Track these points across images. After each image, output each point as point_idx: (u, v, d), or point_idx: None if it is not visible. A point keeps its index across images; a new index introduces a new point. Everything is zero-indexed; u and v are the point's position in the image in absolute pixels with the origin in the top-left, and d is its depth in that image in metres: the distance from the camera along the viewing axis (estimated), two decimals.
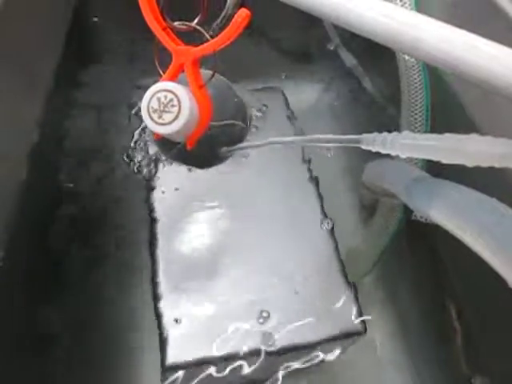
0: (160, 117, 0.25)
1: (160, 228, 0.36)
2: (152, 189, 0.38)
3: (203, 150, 0.30)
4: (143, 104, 0.26)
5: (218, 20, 0.25)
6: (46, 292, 0.34)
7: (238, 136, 0.32)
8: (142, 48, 0.47)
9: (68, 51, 0.47)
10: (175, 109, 0.25)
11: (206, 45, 0.25)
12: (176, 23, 0.26)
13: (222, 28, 0.25)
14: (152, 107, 0.25)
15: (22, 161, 0.38)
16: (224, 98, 0.31)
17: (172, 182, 0.38)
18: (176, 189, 0.38)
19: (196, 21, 0.26)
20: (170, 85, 0.25)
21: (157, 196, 0.37)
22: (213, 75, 0.27)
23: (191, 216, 0.36)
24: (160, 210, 0.36)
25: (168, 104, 0.25)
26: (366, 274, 0.36)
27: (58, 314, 0.33)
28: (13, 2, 0.37)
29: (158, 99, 0.25)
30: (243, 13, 0.23)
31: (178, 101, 0.25)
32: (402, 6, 0.32)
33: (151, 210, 0.36)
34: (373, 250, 0.37)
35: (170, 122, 0.25)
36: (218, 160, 0.33)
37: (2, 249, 0.33)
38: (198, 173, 0.38)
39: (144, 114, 0.26)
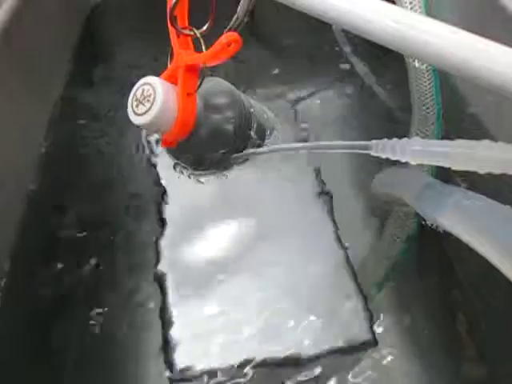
0: (137, 106, 0.26)
1: (168, 239, 0.35)
2: (162, 199, 0.38)
3: (209, 154, 0.30)
4: (132, 91, 0.27)
5: (228, 28, 0.25)
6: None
7: (244, 145, 0.32)
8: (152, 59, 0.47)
9: (79, 61, 0.48)
10: (148, 104, 0.26)
11: (196, 55, 0.26)
12: (186, 30, 0.26)
13: None
14: (136, 96, 0.27)
15: (30, 171, 0.38)
16: (230, 107, 0.32)
17: (181, 193, 0.38)
18: (185, 200, 0.38)
19: (204, 28, 0.26)
20: (155, 80, 0.26)
21: (167, 207, 0.37)
22: (199, 86, 0.27)
23: (200, 227, 0.36)
24: (170, 221, 0.36)
25: (146, 97, 0.26)
26: (381, 286, 0.35)
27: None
28: (24, 17, 0.38)
29: (142, 90, 0.26)
30: (232, 36, 0.24)
31: (154, 97, 0.26)
32: (412, 9, 0.32)
33: (162, 222, 0.36)
34: (385, 261, 0.37)
35: (141, 114, 0.26)
36: (225, 166, 0.33)
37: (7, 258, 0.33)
38: (206, 184, 0.38)
39: (129, 100, 0.27)
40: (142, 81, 0.27)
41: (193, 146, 0.30)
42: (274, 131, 0.37)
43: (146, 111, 0.26)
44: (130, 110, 0.27)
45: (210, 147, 0.31)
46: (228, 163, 0.33)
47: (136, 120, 0.26)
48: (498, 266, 0.20)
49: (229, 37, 0.24)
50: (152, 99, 0.26)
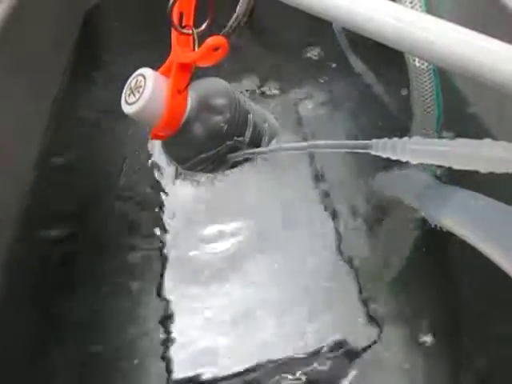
0: (128, 95, 0.27)
1: (169, 245, 0.35)
2: (162, 204, 0.38)
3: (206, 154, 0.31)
4: (128, 80, 0.28)
5: (226, 28, 0.25)
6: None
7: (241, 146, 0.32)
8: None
9: (77, 60, 0.48)
10: (138, 94, 0.26)
11: (186, 54, 0.26)
12: (185, 28, 0.26)
13: (230, 35, 0.25)
14: (130, 85, 0.27)
15: (28, 171, 0.38)
16: (222, 109, 0.31)
17: (180, 196, 0.38)
18: (185, 203, 0.38)
19: (203, 27, 0.26)
20: (149, 72, 0.27)
21: (166, 211, 0.37)
22: (187, 84, 0.27)
23: (200, 232, 0.36)
24: (169, 226, 0.36)
25: (138, 87, 0.26)
26: (382, 286, 0.35)
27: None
28: (22, 15, 0.38)
29: (136, 81, 0.27)
30: (217, 40, 0.24)
31: (143, 88, 0.26)
32: (412, 7, 0.32)
33: (161, 226, 0.37)
34: (385, 260, 0.37)
35: (130, 104, 0.26)
36: (218, 167, 0.33)
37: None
38: (206, 187, 0.38)
39: (124, 89, 0.27)
40: (138, 71, 0.27)
41: (181, 142, 0.30)
42: (274, 139, 0.37)
43: (135, 101, 0.26)
44: (123, 98, 0.27)
45: (198, 146, 0.31)
46: (222, 164, 0.32)
47: (126, 109, 0.27)
48: (503, 267, 0.20)
49: (214, 40, 0.24)
50: (142, 90, 0.26)
